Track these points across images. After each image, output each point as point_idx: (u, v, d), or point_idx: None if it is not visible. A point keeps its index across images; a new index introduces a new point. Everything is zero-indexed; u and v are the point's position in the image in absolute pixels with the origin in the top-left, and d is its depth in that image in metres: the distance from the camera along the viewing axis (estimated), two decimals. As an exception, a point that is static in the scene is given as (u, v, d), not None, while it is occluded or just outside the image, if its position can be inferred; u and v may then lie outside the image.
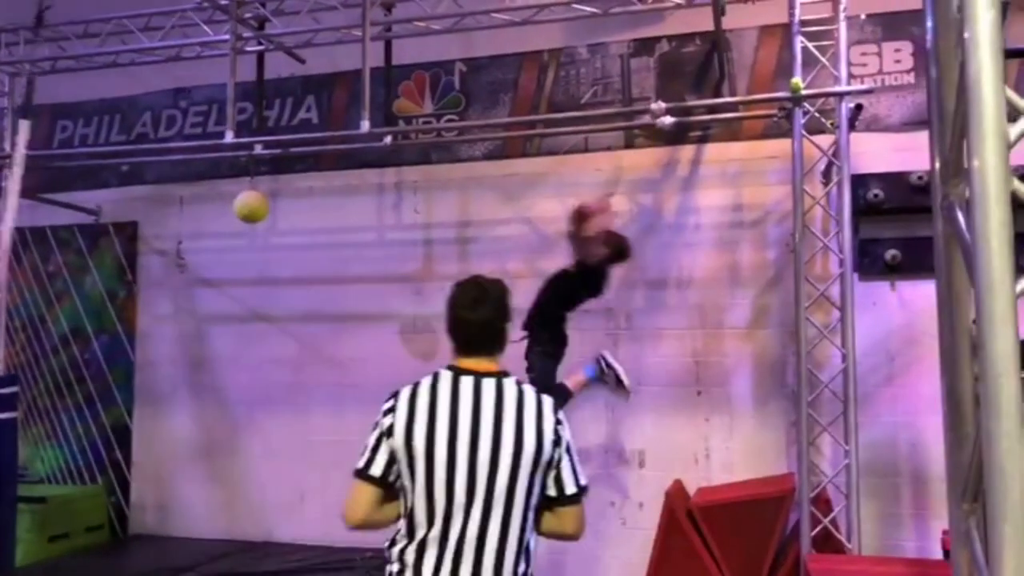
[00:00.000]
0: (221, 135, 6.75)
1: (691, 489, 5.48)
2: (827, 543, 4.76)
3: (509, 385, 2.37)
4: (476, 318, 2.38)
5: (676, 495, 5.33)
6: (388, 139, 5.38)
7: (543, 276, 6.21)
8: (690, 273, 5.95)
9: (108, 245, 7.20)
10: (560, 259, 6.18)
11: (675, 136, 5.93)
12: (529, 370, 4.67)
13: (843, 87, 4.68)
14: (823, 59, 4.79)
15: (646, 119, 5.83)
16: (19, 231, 6.76)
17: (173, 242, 7.08)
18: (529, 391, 2.40)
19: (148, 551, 6.40)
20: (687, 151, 6.06)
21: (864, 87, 4.70)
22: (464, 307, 2.37)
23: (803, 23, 4.77)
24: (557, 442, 2.35)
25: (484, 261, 6.38)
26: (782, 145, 5.68)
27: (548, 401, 2.41)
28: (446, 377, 2.35)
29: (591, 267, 4.77)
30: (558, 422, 2.38)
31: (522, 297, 6.26)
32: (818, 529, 4.60)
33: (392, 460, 2.28)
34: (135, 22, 5.73)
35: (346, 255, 6.70)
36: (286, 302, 6.79)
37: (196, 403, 6.94)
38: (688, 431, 5.81)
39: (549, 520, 2.38)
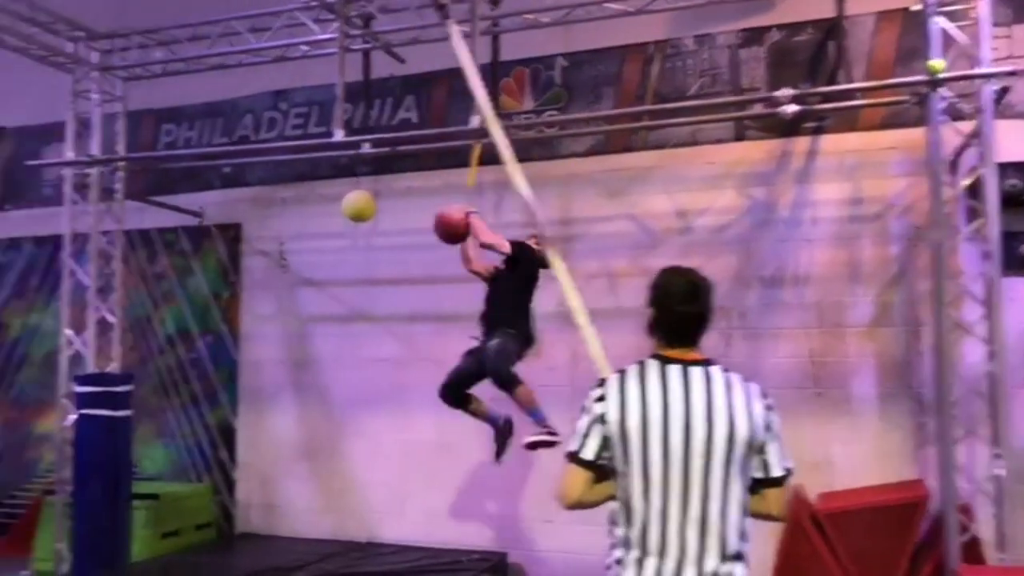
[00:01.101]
0: (321, 136, 6.84)
1: (811, 495, 5.24)
2: (969, 553, 4.48)
3: (716, 372, 2.42)
4: (692, 311, 2.44)
5: (798, 501, 5.11)
6: (496, 134, 5.26)
7: (650, 275, 6.09)
8: (807, 269, 5.71)
9: (212, 247, 7.30)
10: (669, 257, 6.05)
11: (788, 128, 5.70)
12: (492, 340, 4.86)
13: (987, 69, 4.39)
14: (963, 39, 4.51)
15: (757, 109, 5.66)
16: (126, 234, 6.92)
17: (275, 243, 7.14)
18: (736, 377, 2.44)
19: (256, 550, 6.46)
20: (801, 143, 5.83)
21: (1009, 69, 4.40)
22: (680, 302, 2.44)
23: (939, 3, 4.51)
24: (768, 426, 2.41)
25: (587, 260, 6.25)
26: (904, 135, 5.43)
27: (755, 386, 2.45)
28: (653, 365, 2.42)
29: (511, 257, 5.06)
30: (768, 407, 2.44)
31: (630, 297, 6.17)
32: (964, 538, 4.32)
33: (604, 445, 2.38)
34: (243, 23, 5.77)
35: (447, 255, 6.53)
36: (388, 302, 6.78)
37: (299, 403, 6.98)
38: (807, 435, 5.55)
39: (755, 502, 2.44)
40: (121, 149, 6.33)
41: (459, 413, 6.56)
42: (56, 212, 7.84)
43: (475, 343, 5.06)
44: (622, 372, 2.44)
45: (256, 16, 5.73)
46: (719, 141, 5.99)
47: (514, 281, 5.14)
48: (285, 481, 6.96)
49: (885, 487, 5.23)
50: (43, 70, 6.93)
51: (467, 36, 5.06)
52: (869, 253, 5.60)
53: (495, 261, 5.24)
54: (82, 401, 5.80)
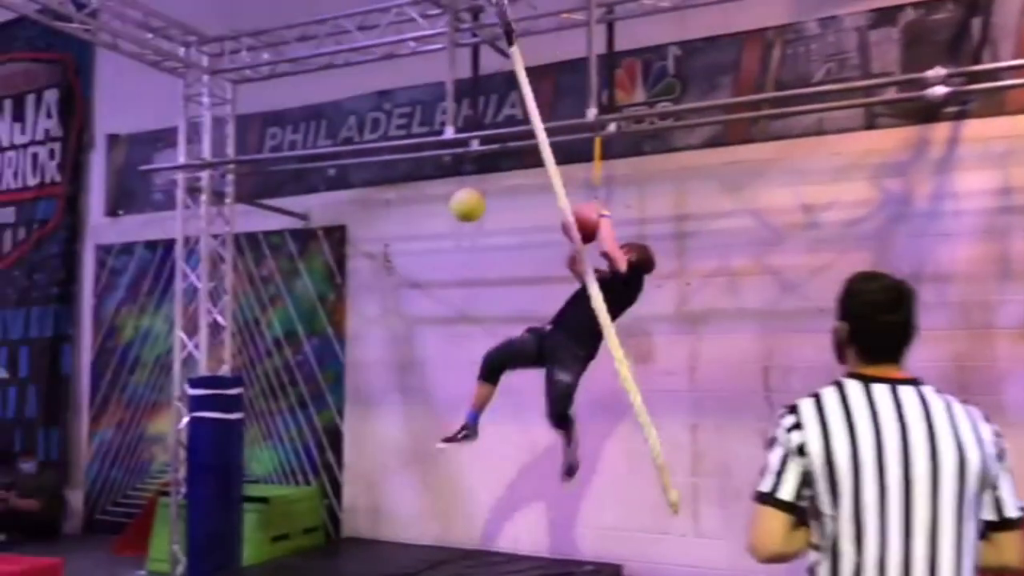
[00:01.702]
0: (425, 135, 6.74)
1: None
2: None
3: (930, 392, 2.06)
4: (897, 321, 2.10)
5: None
6: (613, 127, 5.05)
7: (773, 273, 5.77)
8: (949, 267, 5.28)
9: (318, 249, 7.28)
10: (794, 254, 5.70)
11: (926, 114, 5.29)
12: (563, 368, 4.90)
13: None
14: None
15: (891, 94, 5.26)
16: (234, 237, 6.95)
17: (380, 245, 7.06)
18: (952, 398, 2.08)
19: (364, 556, 6.39)
20: (941, 129, 5.40)
21: None
22: (882, 311, 2.10)
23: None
24: (1000, 455, 2.03)
25: (704, 257, 5.97)
26: (1061, 118, 4.98)
27: (975, 409, 2.09)
28: (855, 387, 2.07)
29: (624, 276, 4.99)
30: (997, 432, 2.06)
31: (751, 297, 5.84)
32: None
33: (804, 482, 2.03)
34: (351, 22, 5.70)
35: (555, 254, 6.36)
36: (494, 303, 6.60)
37: (406, 405, 6.89)
38: (952, 445, 5.14)
39: (985, 550, 2.04)
40: (231, 152, 6.34)
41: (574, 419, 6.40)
42: (165, 217, 8.00)
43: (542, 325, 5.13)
44: (816, 395, 2.09)
45: (364, 13, 5.63)
46: (846, 130, 5.60)
47: (610, 298, 4.92)
48: (392, 485, 6.88)
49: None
50: (150, 78, 7.03)
51: (584, 24, 4.86)
52: (1021, 247, 5.13)
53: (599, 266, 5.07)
54: (195, 404, 5.83)
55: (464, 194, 5.47)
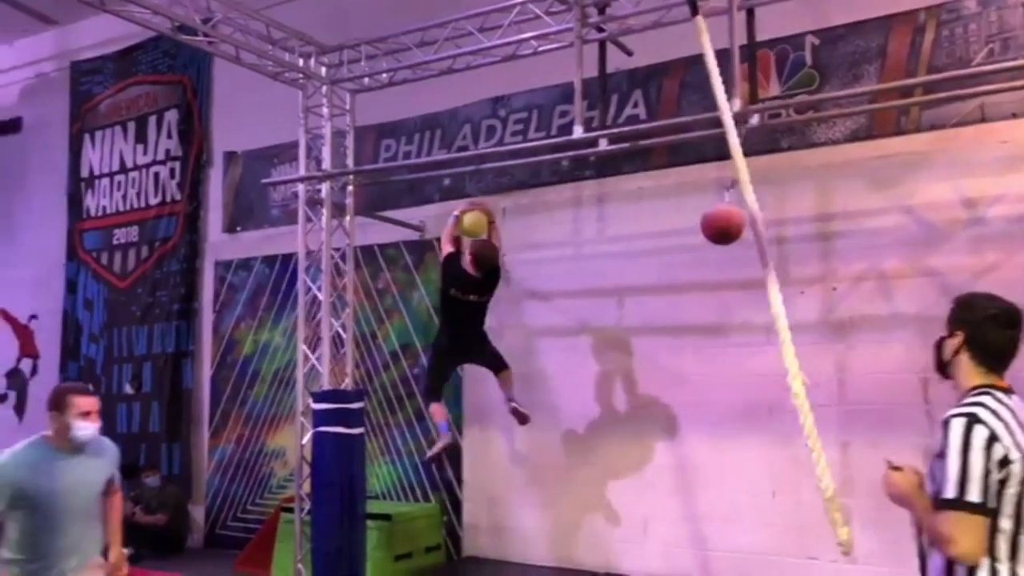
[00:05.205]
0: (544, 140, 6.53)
1: None
2: None
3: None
4: (1016, 335, 2.43)
5: None
6: (755, 119, 4.70)
7: (931, 275, 5.28)
8: None
9: (433, 260, 7.13)
10: (955, 253, 5.21)
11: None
12: None
13: None
14: None
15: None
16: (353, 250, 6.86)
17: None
18: None
19: (487, 576, 6.16)
20: None
21: None
22: (1003, 324, 2.42)
23: None
24: None
25: (853, 260, 5.54)
26: None
27: None
28: (1000, 395, 2.37)
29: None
30: None
31: (907, 302, 5.36)
32: None
33: (999, 491, 2.26)
34: (472, 24, 5.52)
35: (682, 260, 6.06)
36: (618, 314, 6.31)
37: (527, 420, 6.63)
38: None
39: None
40: (350, 163, 6.25)
41: (698, 434, 6.02)
42: (282, 232, 8.03)
43: None
44: (984, 406, 2.32)
45: (486, 14, 5.45)
46: (1016, 116, 5.09)
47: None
48: (514, 503, 6.63)
49: None
50: (264, 96, 7.04)
51: (724, 13, 4.54)
52: None
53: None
54: (318, 418, 5.72)
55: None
